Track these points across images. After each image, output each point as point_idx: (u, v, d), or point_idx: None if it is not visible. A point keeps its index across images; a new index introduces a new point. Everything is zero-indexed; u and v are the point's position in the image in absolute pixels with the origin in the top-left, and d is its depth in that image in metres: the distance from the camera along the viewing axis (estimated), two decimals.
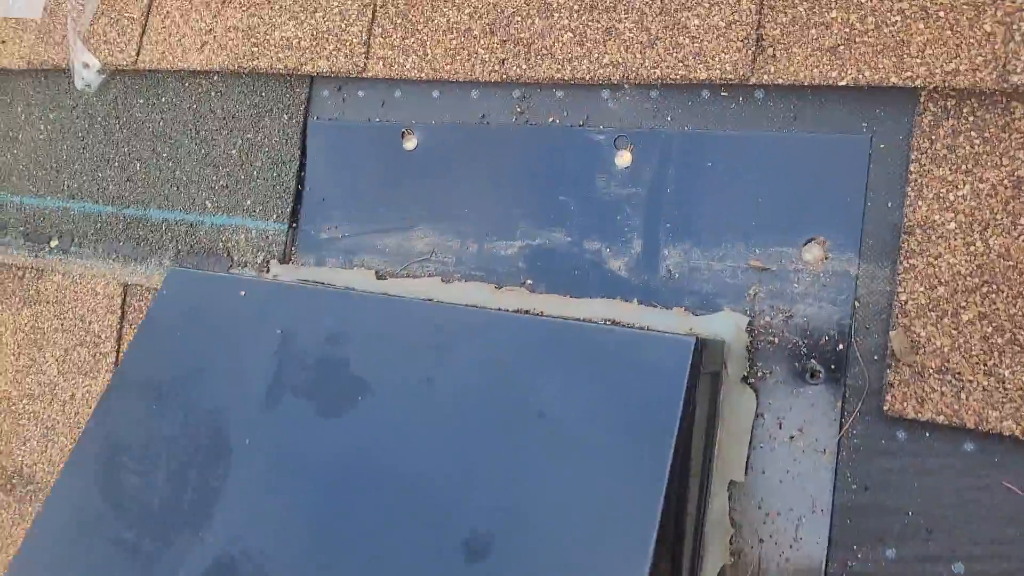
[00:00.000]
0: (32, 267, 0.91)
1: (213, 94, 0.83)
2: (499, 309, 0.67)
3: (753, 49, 0.62)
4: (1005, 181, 0.55)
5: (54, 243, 0.91)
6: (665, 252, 0.64)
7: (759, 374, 0.61)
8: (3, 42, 0.96)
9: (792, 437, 0.59)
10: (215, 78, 0.84)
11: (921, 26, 0.57)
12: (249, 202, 0.79)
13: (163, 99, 0.86)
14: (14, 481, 0.86)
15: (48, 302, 0.89)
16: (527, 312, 0.66)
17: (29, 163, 0.94)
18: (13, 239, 0.93)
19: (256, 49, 0.80)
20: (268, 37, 0.80)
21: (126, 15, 0.88)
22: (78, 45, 0.87)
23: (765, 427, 0.60)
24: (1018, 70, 0.54)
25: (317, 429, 0.52)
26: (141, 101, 0.87)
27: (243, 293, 0.62)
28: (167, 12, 0.86)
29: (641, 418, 0.46)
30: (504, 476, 0.47)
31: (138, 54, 0.86)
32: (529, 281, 0.68)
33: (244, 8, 0.82)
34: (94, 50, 0.88)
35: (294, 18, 0.79)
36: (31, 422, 0.86)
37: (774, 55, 0.61)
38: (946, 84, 0.56)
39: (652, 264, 0.65)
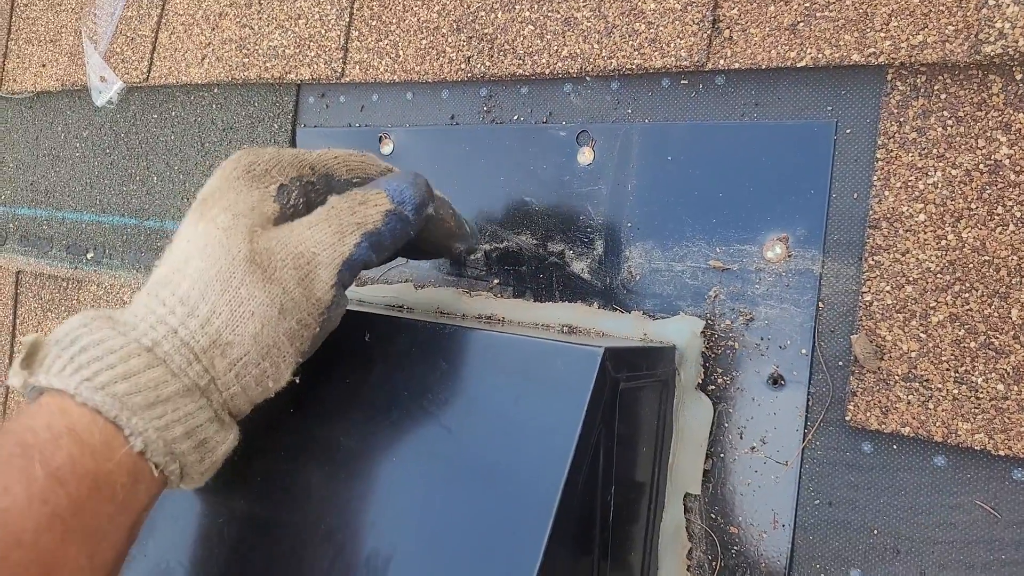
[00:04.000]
0: (72, 278, 0.97)
1: (214, 106, 0.86)
2: (463, 315, 0.66)
3: (709, 32, 0.57)
4: (980, 166, 0.49)
5: (90, 255, 0.96)
6: (627, 253, 0.61)
7: (718, 381, 0.57)
8: (43, 66, 1.02)
9: (753, 448, 0.56)
10: (215, 90, 0.86)
11: None
12: None
13: (173, 113, 0.89)
14: None
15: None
16: (489, 317, 0.65)
17: (69, 180, 1.00)
18: (57, 252, 1.00)
19: (247, 60, 0.82)
20: (257, 47, 0.81)
21: (140, 33, 0.92)
22: (94, 62, 0.92)
23: (725, 437, 0.56)
24: (991, 39, 0.48)
25: (250, 442, 0.53)
26: (155, 116, 0.91)
27: None
28: (173, 28, 0.89)
29: (542, 432, 0.45)
30: (407, 495, 0.46)
31: (149, 71, 0.90)
32: (497, 282, 0.67)
33: (238, 20, 0.84)
34: (113, 68, 0.92)
35: (280, 27, 0.80)
36: None
37: (731, 37, 0.57)
38: (913, 59, 0.50)
39: (614, 266, 0.62)
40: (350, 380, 0.51)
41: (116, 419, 0.37)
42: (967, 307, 0.49)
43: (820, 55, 0.53)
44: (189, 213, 0.45)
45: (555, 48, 0.64)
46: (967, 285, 0.49)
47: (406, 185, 0.49)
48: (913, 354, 0.50)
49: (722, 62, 0.57)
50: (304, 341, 0.44)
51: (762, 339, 0.56)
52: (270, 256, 0.42)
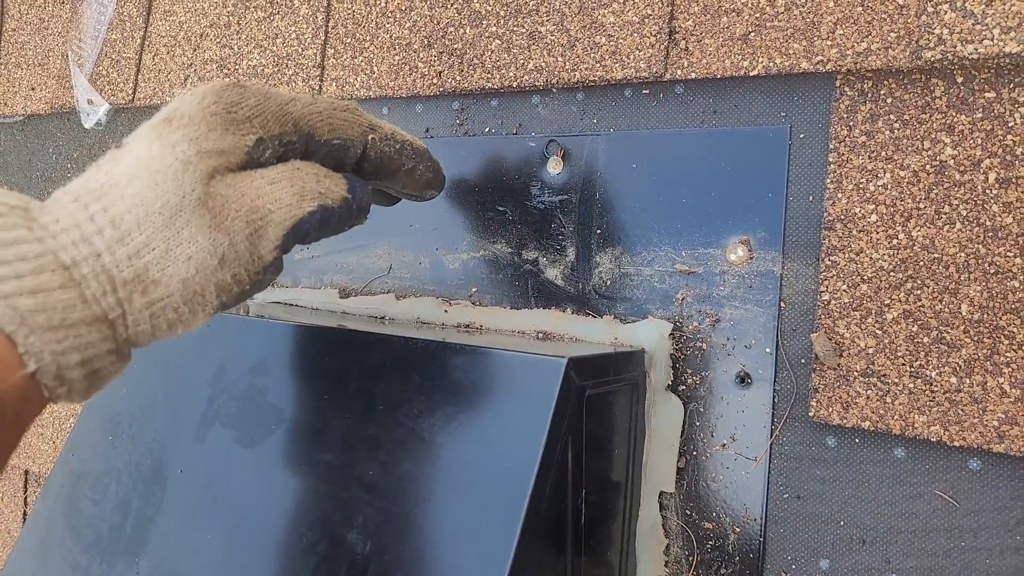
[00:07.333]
0: None
1: None
2: (443, 324, 0.68)
3: (666, 44, 0.59)
4: (927, 167, 0.51)
5: None
6: (597, 259, 0.63)
7: (688, 381, 0.59)
8: (33, 89, 1.04)
9: (724, 445, 0.57)
10: None
11: (831, 4, 0.53)
12: None
13: None
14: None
15: None
16: (468, 325, 0.67)
17: None
18: None
19: (228, 79, 0.83)
20: (237, 67, 0.83)
21: (124, 55, 0.94)
22: (81, 84, 0.94)
23: (697, 435, 0.58)
24: (931, 44, 0.49)
25: (236, 459, 0.55)
26: None
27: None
28: (156, 50, 0.91)
29: (510, 441, 0.47)
30: (385, 505, 0.48)
31: (135, 92, 0.92)
32: (475, 290, 0.69)
33: (218, 40, 0.85)
34: (100, 90, 0.94)
35: (259, 46, 0.82)
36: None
37: (687, 48, 0.58)
38: (858, 66, 0.52)
39: (586, 272, 0.64)
40: (328, 396, 0.53)
41: (12, 335, 0.34)
42: (919, 303, 0.51)
43: (771, 64, 0.55)
44: (147, 128, 0.41)
45: (521, 61, 0.65)
46: (919, 282, 0.51)
47: (362, 187, 0.47)
48: (870, 350, 0.52)
49: (680, 72, 0.59)
50: (231, 296, 0.41)
51: (728, 339, 0.58)
52: (224, 203, 0.40)
